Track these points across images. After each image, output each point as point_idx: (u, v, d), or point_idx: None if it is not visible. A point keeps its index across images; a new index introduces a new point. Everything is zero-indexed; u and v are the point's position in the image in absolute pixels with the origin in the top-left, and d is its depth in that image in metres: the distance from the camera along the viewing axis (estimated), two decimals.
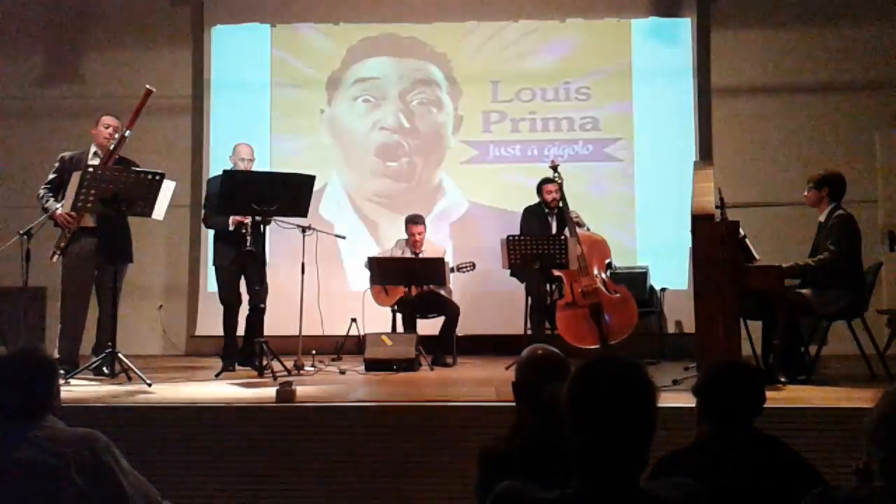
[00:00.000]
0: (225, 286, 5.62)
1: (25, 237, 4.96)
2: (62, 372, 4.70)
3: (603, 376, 1.58)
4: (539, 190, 6.31)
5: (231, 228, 5.46)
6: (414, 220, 6.34)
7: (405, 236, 6.38)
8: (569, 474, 1.57)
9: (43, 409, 2.25)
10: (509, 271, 6.08)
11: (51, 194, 5.18)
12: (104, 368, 4.95)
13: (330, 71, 7.43)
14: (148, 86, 5.17)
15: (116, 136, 5.16)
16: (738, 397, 2.24)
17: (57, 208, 5.02)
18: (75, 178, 4.72)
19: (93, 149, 5.29)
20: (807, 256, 4.96)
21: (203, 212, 5.85)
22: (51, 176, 5.25)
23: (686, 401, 2.39)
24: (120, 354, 4.83)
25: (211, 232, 5.90)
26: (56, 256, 5.08)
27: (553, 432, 2.01)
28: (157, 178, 4.89)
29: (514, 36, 7.35)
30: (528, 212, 6.36)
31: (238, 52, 7.47)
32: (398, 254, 6.34)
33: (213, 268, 5.77)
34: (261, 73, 7.45)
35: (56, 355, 5.00)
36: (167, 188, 4.97)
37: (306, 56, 7.45)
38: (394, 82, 7.40)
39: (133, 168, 5.02)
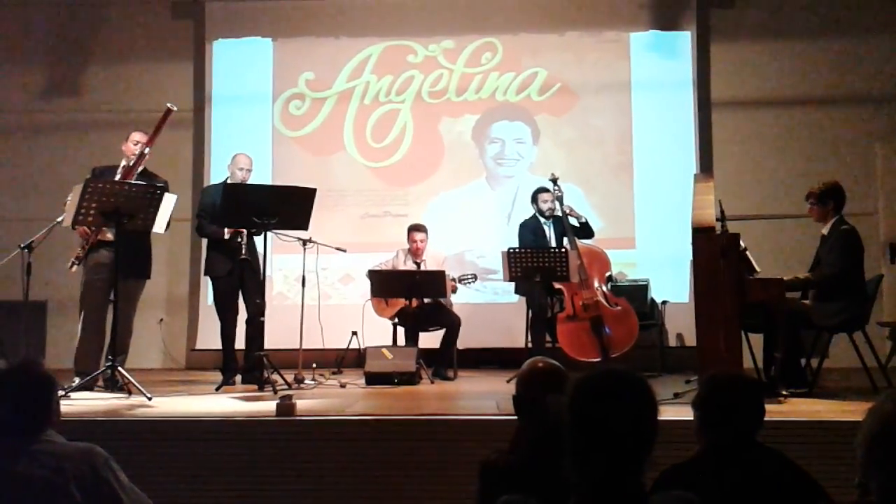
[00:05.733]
0: (222, 298, 5.63)
1: (26, 251, 4.95)
2: (77, 380, 4.74)
3: (604, 388, 1.57)
4: (535, 199, 6.30)
5: (227, 237, 5.46)
6: (416, 228, 6.37)
7: (406, 246, 6.39)
8: (568, 488, 1.56)
9: (42, 423, 2.25)
10: (514, 286, 6.09)
11: None
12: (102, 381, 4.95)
13: (331, 84, 7.46)
14: (169, 104, 5.17)
15: (136, 153, 5.17)
16: (739, 410, 2.23)
17: (59, 220, 4.99)
18: (76, 191, 4.72)
19: (123, 162, 5.30)
20: (809, 269, 4.96)
21: (197, 221, 5.83)
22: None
23: (687, 414, 2.38)
24: (120, 368, 4.82)
25: (205, 242, 5.89)
26: (74, 266, 5.07)
27: (553, 446, 2.01)
28: (159, 191, 4.90)
29: (513, 50, 7.39)
30: (524, 226, 6.32)
31: (239, 65, 7.52)
32: (400, 261, 6.34)
33: (210, 279, 5.76)
34: (262, 86, 7.49)
35: (75, 368, 5.02)
36: (168, 201, 4.97)
37: (307, 70, 7.48)
38: (394, 97, 7.42)
39: (134, 181, 5.02)
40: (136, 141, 5.28)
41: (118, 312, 4.95)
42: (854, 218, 5.11)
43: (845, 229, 4.85)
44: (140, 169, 5.22)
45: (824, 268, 4.83)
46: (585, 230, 6.14)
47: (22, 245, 4.97)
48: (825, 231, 4.96)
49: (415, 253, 6.33)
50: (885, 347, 6.04)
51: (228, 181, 5.61)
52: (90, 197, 4.68)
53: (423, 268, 6.23)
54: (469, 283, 6.26)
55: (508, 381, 5.13)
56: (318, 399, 4.82)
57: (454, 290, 6.20)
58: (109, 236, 5.10)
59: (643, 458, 1.55)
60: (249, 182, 5.62)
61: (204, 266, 5.81)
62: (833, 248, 4.82)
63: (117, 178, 5.15)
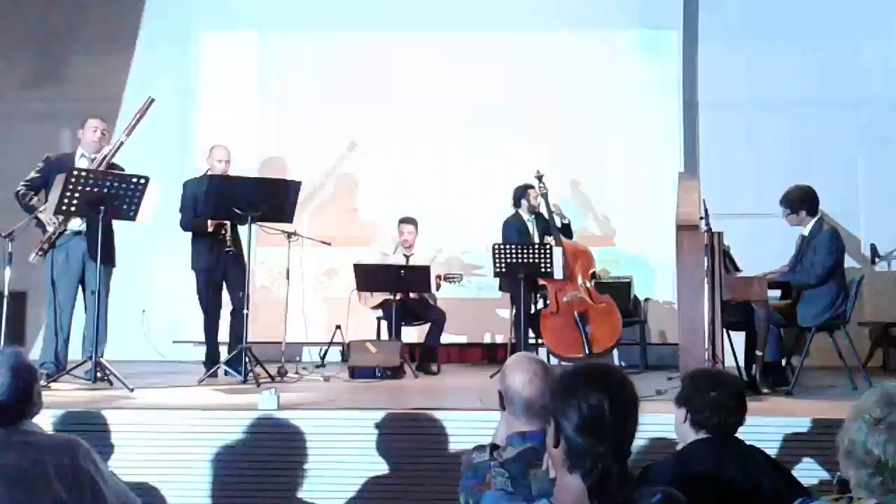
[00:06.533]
0: (205, 291, 5.60)
1: (7, 240, 4.90)
2: (46, 374, 4.69)
3: (585, 384, 1.59)
4: (523, 195, 6.25)
5: (210, 230, 5.43)
6: (406, 221, 6.38)
7: (397, 238, 6.39)
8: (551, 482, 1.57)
9: (22, 414, 2.23)
10: (498, 283, 6.11)
11: (32, 192, 5.07)
12: (84, 373, 4.91)
13: (319, 78, 7.43)
14: (151, 96, 5.13)
15: (113, 140, 5.10)
16: (721, 408, 2.25)
17: (41, 210, 4.93)
18: (60, 179, 4.67)
19: (80, 151, 5.21)
20: (789, 268, 5.00)
21: (180, 215, 5.79)
22: (33, 174, 5.11)
23: (669, 411, 2.40)
24: (102, 360, 4.79)
25: (189, 235, 5.85)
26: (36, 257, 4.96)
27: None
28: (143, 181, 4.85)
29: (502, 48, 7.38)
30: (508, 224, 6.29)
31: (226, 58, 7.47)
32: (390, 254, 6.34)
33: (194, 272, 5.73)
34: (249, 79, 7.45)
35: (40, 359, 4.96)
36: (153, 192, 4.93)
37: (294, 63, 7.45)
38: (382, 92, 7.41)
39: (119, 171, 4.98)
40: (94, 128, 5.18)
41: (98, 302, 4.90)
42: (836, 218, 5.15)
43: (826, 231, 4.90)
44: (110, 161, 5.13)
45: (806, 268, 4.87)
46: (566, 231, 6.15)
47: (4, 234, 4.91)
48: (805, 232, 5.01)
49: (404, 245, 6.34)
50: (865, 347, 6.11)
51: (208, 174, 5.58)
52: (74, 186, 4.63)
53: (411, 261, 6.24)
54: (455, 281, 6.25)
55: (492, 377, 5.15)
56: (302, 392, 4.81)
57: (438, 287, 6.21)
58: (78, 226, 5.04)
59: (624, 452, 1.56)
60: (231, 173, 5.58)
61: (191, 259, 5.75)
62: (816, 249, 4.87)
63: (82, 165, 5.06)
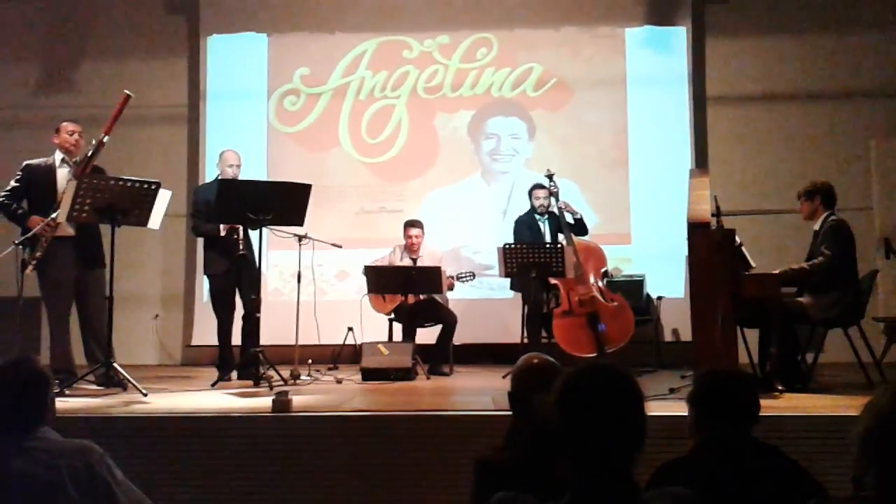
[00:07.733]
0: (219, 295, 5.62)
1: (21, 247, 4.92)
2: (59, 381, 4.71)
3: (589, 384, 1.57)
4: (529, 195, 6.31)
5: (223, 234, 5.45)
6: (411, 224, 6.38)
7: (403, 242, 6.38)
8: (563, 484, 1.56)
9: (37, 420, 2.24)
10: (510, 282, 6.10)
11: (14, 204, 5.06)
12: (94, 377, 4.94)
13: (326, 80, 7.45)
14: (126, 91, 5.07)
15: (94, 142, 5.04)
16: (733, 405, 2.23)
17: (53, 217, 4.94)
18: (70, 187, 4.70)
19: (59, 156, 5.17)
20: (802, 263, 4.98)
21: (192, 221, 5.81)
22: (13, 184, 5.10)
23: (682, 410, 2.38)
24: (116, 364, 4.81)
25: (202, 240, 5.87)
26: (31, 268, 4.92)
27: (547, 442, 2.01)
28: (153, 187, 4.87)
29: (509, 45, 7.37)
30: (520, 223, 6.33)
31: (234, 61, 7.50)
32: (397, 258, 6.34)
33: (206, 277, 5.75)
34: (257, 82, 7.47)
35: (51, 366, 4.97)
36: (163, 197, 4.96)
37: (302, 65, 7.47)
38: (389, 92, 7.41)
39: (129, 177, 4.99)
40: (70, 131, 5.16)
41: (98, 306, 4.95)
42: (849, 213, 5.13)
43: (834, 220, 4.92)
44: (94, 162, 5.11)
45: (817, 258, 4.85)
46: (580, 227, 6.15)
47: (16, 241, 4.94)
48: (816, 227, 5.00)
49: (410, 249, 6.33)
50: (879, 343, 6.05)
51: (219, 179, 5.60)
52: (84, 193, 4.66)
53: (419, 264, 6.23)
54: (467, 280, 6.25)
55: (504, 377, 5.14)
56: (314, 395, 4.82)
57: (451, 288, 6.20)
58: (69, 232, 5.03)
59: (633, 453, 1.54)
60: (241, 177, 5.60)
61: (203, 264, 5.78)
62: (824, 240, 4.87)
63: (62, 170, 5.09)
